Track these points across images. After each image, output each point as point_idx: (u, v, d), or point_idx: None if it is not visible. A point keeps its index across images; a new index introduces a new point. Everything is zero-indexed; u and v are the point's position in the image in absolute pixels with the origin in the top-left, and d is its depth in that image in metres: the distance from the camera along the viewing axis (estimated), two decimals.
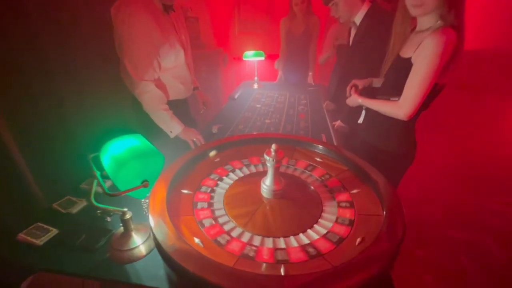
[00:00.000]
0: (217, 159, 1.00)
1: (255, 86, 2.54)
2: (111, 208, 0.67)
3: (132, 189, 0.61)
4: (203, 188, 0.85)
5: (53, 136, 1.23)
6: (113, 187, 0.78)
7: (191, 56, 1.40)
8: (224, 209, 0.76)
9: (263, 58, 2.44)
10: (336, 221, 0.72)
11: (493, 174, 2.58)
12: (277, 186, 0.78)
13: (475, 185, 2.48)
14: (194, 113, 1.69)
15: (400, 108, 1.02)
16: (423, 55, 0.94)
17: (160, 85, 1.24)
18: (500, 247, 1.89)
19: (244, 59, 2.46)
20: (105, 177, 0.66)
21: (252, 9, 3.19)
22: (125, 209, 0.70)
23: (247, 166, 0.96)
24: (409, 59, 1.00)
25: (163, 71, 1.23)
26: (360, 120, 1.24)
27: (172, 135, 1.26)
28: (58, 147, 1.22)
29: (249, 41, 3.26)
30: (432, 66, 0.93)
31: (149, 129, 1.25)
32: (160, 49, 1.17)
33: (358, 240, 0.64)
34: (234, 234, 0.68)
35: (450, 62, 0.93)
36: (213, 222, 0.72)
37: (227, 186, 0.85)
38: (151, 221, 0.66)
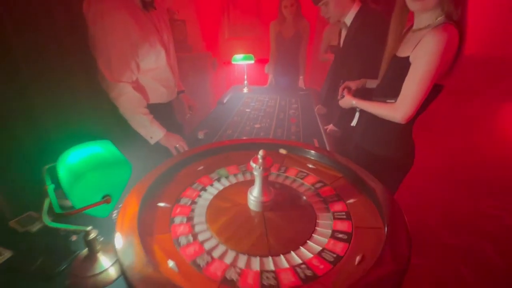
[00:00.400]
0: (201, 167, 0.91)
1: (245, 90, 2.47)
2: (70, 227, 0.56)
3: (89, 206, 0.52)
4: (183, 200, 0.75)
5: (19, 142, 1.11)
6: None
7: (174, 58, 1.32)
8: (206, 224, 0.67)
9: (252, 62, 2.38)
10: (332, 236, 0.64)
11: (485, 176, 2.57)
12: (265, 197, 0.69)
13: (468, 189, 2.46)
14: (180, 118, 1.59)
15: (397, 110, 0.96)
16: (423, 53, 0.88)
17: (138, 87, 1.14)
18: (498, 253, 1.85)
19: (233, 62, 2.39)
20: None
21: (241, 13, 3.14)
22: (89, 228, 0.60)
23: (235, 174, 0.88)
24: (406, 58, 0.94)
25: (143, 72, 1.14)
26: (354, 123, 1.18)
27: (152, 141, 1.17)
28: (25, 154, 1.10)
29: (239, 45, 3.21)
30: (432, 65, 0.87)
31: (130, 136, 1.16)
32: (138, 48, 1.08)
33: (358, 258, 0.56)
34: (216, 253, 0.59)
35: (451, 61, 0.87)
36: (192, 239, 0.63)
37: (211, 197, 0.76)
38: (117, 241, 0.56)
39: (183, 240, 0.62)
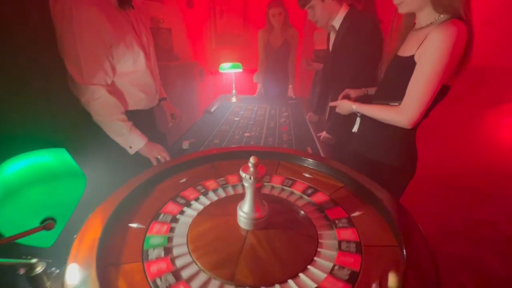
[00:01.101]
0: (183, 180, 0.80)
1: (233, 99, 2.39)
2: (5, 261, 0.43)
3: (22, 234, 0.39)
4: (162, 217, 0.63)
5: None
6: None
7: (155, 62, 1.22)
8: (188, 247, 0.55)
9: (240, 70, 2.31)
10: (340, 249, 0.54)
11: (477, 184, 2.56)
12: (258, 213, 0.59)
13: (462, 196, 2.43)
14: (163, 127, 1.48)
15: (403, 114, 0.88)
16: (430, 51, 0.81)
17: (115, 91, 1.03)
18: (497, 259, 1.79)
19: (220, 71, 2.32)
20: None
21: (228, 22, 3.12)
22: (34, 260, 0.47)
23: (224, 186, 0.77)
24: (410, 57, 0.87)
25: (120, 76, 1.03)
26: (355, 129, 1.09)
27: (132, 151, 1.04)
28: None
29: (226, 55, 3.16)
30: (440, 64, 0.79)
31: (106, 145, 1.03)
32: (113, 48, 0.98)
33: (375, 286, 0.46)
34: (197, 284, 0.47)
35: (459, 59, 0.81)
36: (168, 266, 0.51)
37: (195, 214, 0.65)
38: (69, 276, 0.43)
39: (158, 269, 0.50)
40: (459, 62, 0.81)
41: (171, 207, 0.67)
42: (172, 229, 0.60)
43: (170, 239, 0.57)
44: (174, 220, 0.63)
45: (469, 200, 2.38)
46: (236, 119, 1.86)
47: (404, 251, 0.49)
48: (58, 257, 0.53)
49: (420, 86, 0.83)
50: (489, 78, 3.20)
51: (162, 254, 0.53)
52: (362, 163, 1.06)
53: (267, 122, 1.80)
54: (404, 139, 0.97)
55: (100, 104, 0.97)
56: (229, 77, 2.56)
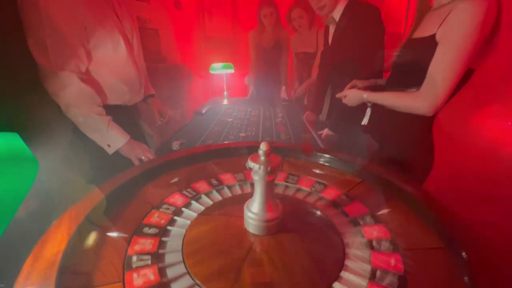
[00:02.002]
0: (174, 179, 0.67)
1: (225, 102, 2.29)
2: None
3: None
4: (147, 229, 0.50)
5: None
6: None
7: (140, 53, 1.10)
8: (184, 264, 0.43)
9: (232, 71, 2.23)
10: (372, 248, 0.43)
11: (473, 185, 2.54)
12: (271, 214, 0.47)
13: (459, 198, 2.39)
14: (150, 128, 1.35)
15: (424, 99, 0.79)
16: (456, 27, 0.72)
17: (91, 81, 0.90)
18: (503, 260, 1.73)
19: (211, 72, 2.22)
20: None
21: (217, 25, 3.05)
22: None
23: (218, 189, 0.64)
24: (431, 37, 0.79)
25: (98, 64, 0.91)
26: (365, 121, 1.00)
27: (110, 150, 0.90)
28: None
29: (216, 59, 3.07)
30: (469, 41, 0.71)
31: (81, 143, 0.89)
32: (89, 31, 0.86)
33: None
34: None
35: (488, 37, 0.72)
36: (155, 278, 0.38)
37: (188, 223, 0.52)
38: None
39: None
40: (487, 40, 0.73)
41: (157, 217, 0.54)
42: (161, 244, 0.47)
43: (159, 256, 0.45)
44: (164, 233, 0.50)
45: (467, 202, 2.35)
46: (229, 120, 1.75)
47: (465, 254, 0.39)
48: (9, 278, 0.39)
49: (445, 68, 0.75)
50: (475, 80, 3.27)
51: (151, 274, 0.40)
52: (373, 159, 0.96)
53: (262, 123, 1.71)
54: (421, 130, 0.89)
55: (71, 93, 0.83)
56: (220, 80, 2.46)
